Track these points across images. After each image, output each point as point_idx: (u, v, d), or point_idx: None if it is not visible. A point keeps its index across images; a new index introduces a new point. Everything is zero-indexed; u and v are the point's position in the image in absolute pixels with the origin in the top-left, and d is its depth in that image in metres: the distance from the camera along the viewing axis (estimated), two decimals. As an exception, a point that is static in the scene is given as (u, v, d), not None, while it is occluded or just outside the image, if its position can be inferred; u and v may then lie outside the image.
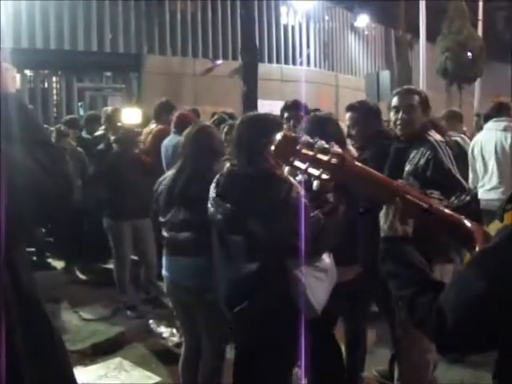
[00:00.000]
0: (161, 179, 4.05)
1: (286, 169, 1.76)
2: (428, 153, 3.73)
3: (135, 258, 6.64)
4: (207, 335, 3.87)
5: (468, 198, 3.68)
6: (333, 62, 27.64)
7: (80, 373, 4.92)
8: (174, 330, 5.60)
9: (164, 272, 4.01)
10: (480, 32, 27.25)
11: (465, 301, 1.45)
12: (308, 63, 25.98)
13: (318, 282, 3.23)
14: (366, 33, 30.14)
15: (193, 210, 3.63)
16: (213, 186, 3.35)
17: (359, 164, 1.79)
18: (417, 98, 3.91)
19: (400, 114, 3.89)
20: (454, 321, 1.45)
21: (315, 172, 1.73)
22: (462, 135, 6.67)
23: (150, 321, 5.90)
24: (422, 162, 3.73)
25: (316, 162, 1.72)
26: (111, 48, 19.56)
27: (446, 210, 1.83)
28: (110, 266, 6.52)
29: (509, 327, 1.42)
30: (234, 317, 3.28)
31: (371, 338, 4.60)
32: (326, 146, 1.74)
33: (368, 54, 30.51)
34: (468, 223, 1.78)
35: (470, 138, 6.92)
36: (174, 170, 3.97)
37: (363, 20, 28.13)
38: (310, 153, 1.73)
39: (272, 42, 24.09)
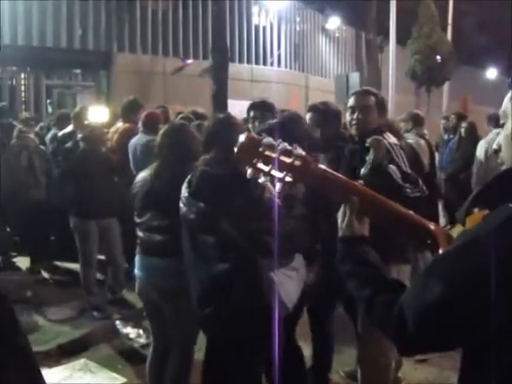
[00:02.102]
0: (137, 180, 4.00)
1: (249, 171, 1.74)
2: None
3: (102, 257, 6.57)
4: (176, 336, 3.85)
5: (418, 194, 3.69)
6: (303, 63, 27.75)
7: (45, 374, 4.84)
8: (141, 331, 5.55)
9: (136, 271, 3.97)
10: (449, 36, 27.64)
11: (423, 305, 1.45)
12: (278, 64, 26.03)
13: (289, 280, 3.25)
14: (337, 35, 30.31)
15: (171, 213, 3.54)
16: (184, 186, 3.33)
17: (321, 166, 1.79)
18: (373, 99, 3.93)
19: (356, 114, 3.90)
20: (414, 324, 1.45)
21: (278, 174, 1.72)
22: (420, 138, 6.73)
23: (117, 322, 5.83)
24: None
25: (279, 164, 1.72)
26: (81, 45, 19.33)
27: (410, 213, 1.83)
28: (77, 266, 6.43)
29: (466, 331, 1.42)
30: (205, 318, 3.26)
31: (339, 337, 4.61)
32: (289, 148, 1.74)
33: (338, 56, 30.71)
34: (432, 226, 1.78)
35: (429, 142, 7.02)
36: (150, 172, 3.91)
37: (334, 22, 28.26)
38: (273, 155, 1.73)
39: (243, 42, 24.06)
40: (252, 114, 4.90)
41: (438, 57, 26.92)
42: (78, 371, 4.90)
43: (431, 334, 1.46)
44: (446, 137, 10.40)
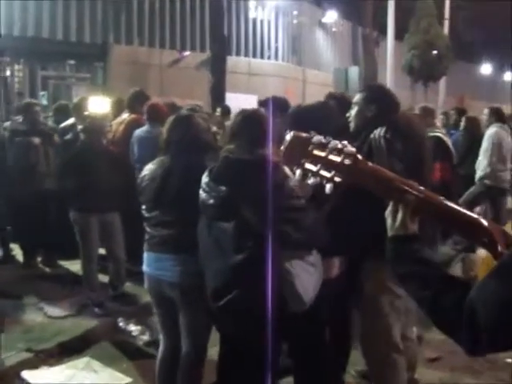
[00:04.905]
0: (144, 173, 3.85)
1: (298, 171, 1.65)
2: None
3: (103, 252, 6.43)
4: (190, 332, 3.71)
5: None
6: (300, 56, 27.69)
7: (46, 373, 4.72)
8: (144, 328, 5.42)
9: (145, 268, 3.83)
10: (446, 31, 27.62)
11: (498, 303, 1.38)
12: (276, 57, 25.96)
13: (306, 274, 3.19)
14: (334, 29, 30.26)
15: (184, 208, 3.45)
16: (205, 174, 3.28)
17: (371, 164, 1.71)
18: (362, 94, 3.93)
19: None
20: (488, 323, 1.39)
21: (327, 174, 1.65)
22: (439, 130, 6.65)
23: (119, 318, 5.69)
24: None
25: (328, 164, 1.64)
26: (77, 37, 19.15)
27: (463, 210, 1.73)
28: (77, 260, 6.30)
29: None
30: (219, 309, 3.18)
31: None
32: (340, 146, 1.66)
33: (335, 50, 30.67)
34: (485, 222, 1.70)
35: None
36: (159, 165, 3.76)
37: (331, 16, 28.23)
38: (322, 154, 1.65)
39: (240, 35, 24.00)
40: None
41: (435, 52, 26.88)
42: (82, 370, 4.75)
43: (507, 332, 1.38)
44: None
